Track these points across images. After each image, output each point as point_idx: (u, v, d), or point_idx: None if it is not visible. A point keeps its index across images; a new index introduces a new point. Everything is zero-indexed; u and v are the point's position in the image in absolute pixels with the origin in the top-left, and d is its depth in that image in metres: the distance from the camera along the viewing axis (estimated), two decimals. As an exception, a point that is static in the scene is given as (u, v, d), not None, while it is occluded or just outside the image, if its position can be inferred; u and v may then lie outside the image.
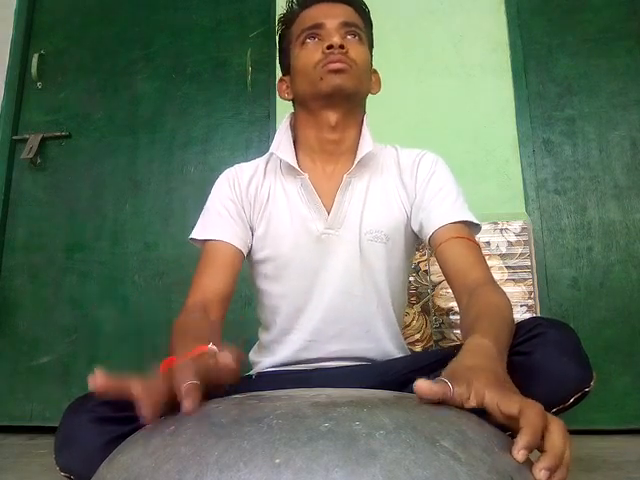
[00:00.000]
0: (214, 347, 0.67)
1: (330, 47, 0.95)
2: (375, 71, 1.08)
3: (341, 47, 0.95)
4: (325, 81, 0.95)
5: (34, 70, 2.14)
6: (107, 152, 2.07)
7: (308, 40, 0.99)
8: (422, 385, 0.51)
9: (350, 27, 0.99)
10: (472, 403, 0.51)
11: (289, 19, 1.05)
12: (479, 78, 1.83)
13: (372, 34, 1.08)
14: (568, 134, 1.77)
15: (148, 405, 0.50)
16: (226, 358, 0.58)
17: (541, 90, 1.80)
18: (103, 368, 0.52)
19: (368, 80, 1.03)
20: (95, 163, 2.07)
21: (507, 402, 0.48)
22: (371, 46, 1.07)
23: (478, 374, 0.53)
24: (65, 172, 2.08)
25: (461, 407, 0.51)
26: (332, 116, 1.00)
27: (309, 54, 0.98)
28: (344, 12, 1.00)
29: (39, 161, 2.08)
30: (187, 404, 0.50)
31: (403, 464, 0.39)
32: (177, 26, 2.13)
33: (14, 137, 2.11)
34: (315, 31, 0.99)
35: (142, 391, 0.51)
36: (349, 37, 0.99)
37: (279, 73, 1.11)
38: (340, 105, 0.98)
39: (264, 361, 1.03)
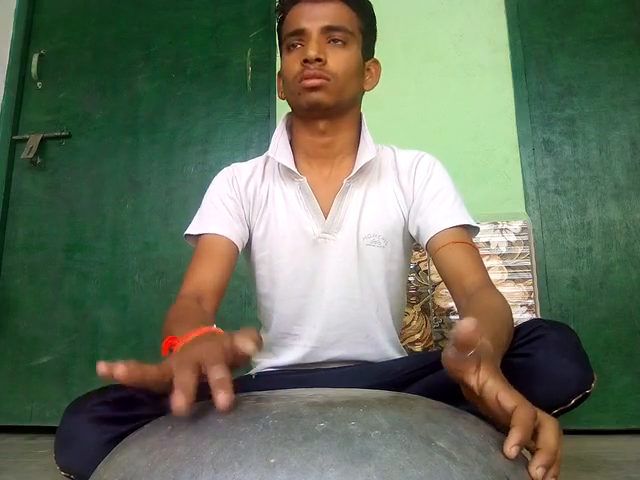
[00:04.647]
0: (220, 330, 0.63)
1: (307, 61, 0.91)
2: (375, 61, 1.04)
3: (319, 60, 0.91)
4: (302, 97, 0.94)
5: (34, 70, 2.14)
6: (107, 152, 2.06)
7: (291, 47, 0.96)
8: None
9: (334, 31, 0.94)
10: (472, 382, 0.52)
11: (282, 10, 1.00)
12: (479, 78, 1.83)
13: (372, 23, 1.02)
14: (568, 134, 1.76)
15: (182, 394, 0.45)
16: (246, 343, 0.50)
17: (541, 90, 1.80)
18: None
19: (355, 83, 0.98)
20: (95, 163, 2.06)
21: (507, 395, 0.50)
22: (369, 39, 1.01)
23: (486, 361, 0.54)
24: (65, 172, 2.08)
25: (459, 379, 0.53)
26: (320, 123, 0.98)
27: (290, 63, 0.95)
28: (329, 12, 0.94)
29: (39, 161, 2.07)
30: (222, 399, 0.44)
31: (398, 464, 0.39)
32: (177, 26, 2.12)
33: (14, 137, 2.11)
34: (297, 37, 0.95)
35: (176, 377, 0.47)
36: (331, 43, 0.94)
37: (280, 73, 1.08)
38: (323, 116, 0.97)
39: (264, 362, 1.03)
